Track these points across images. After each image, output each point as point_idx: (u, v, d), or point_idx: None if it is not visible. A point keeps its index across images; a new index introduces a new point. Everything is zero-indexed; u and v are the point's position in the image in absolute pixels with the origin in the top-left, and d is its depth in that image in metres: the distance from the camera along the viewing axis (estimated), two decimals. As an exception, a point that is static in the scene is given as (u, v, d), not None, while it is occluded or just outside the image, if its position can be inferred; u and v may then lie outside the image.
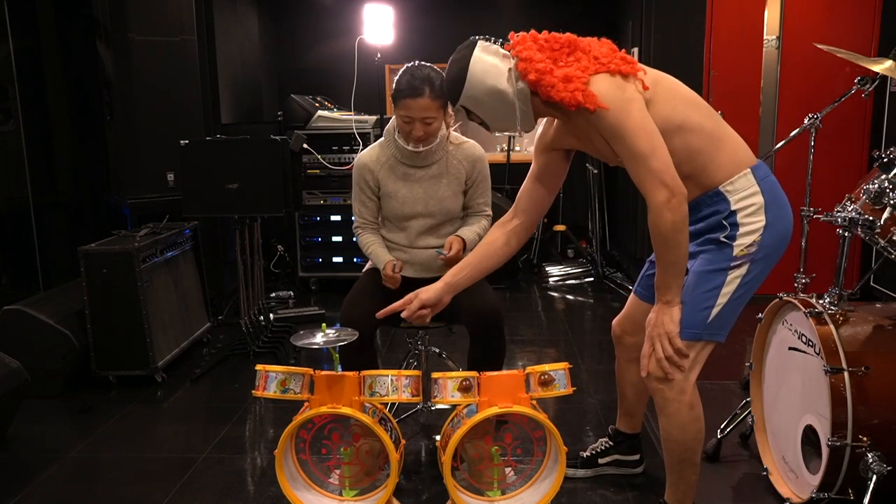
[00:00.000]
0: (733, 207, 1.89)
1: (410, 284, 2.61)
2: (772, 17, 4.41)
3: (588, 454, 2.51)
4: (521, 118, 1.93)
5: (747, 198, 1.89)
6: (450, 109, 2.59)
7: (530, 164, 2.27)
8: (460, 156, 2.65)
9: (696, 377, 1.95)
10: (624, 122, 1.80)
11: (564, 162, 2.17)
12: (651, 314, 1.93)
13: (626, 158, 1.84)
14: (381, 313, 2.19)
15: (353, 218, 2.74)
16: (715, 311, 1.90)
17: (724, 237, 1.89)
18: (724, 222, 1.90)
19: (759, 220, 1.88)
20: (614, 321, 2.38)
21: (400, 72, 2.49)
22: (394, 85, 2.51)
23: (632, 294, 2.33)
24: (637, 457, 2.51)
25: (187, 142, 3.60)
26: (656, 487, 2.41)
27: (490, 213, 2.77)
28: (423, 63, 2.50)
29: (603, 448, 2.51)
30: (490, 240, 2.21)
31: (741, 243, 1.88)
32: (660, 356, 1.90)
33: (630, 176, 1.86)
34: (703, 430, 2.00)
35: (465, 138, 2.70)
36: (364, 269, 2.81)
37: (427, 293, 2.14)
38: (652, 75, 1.92)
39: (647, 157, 1.79)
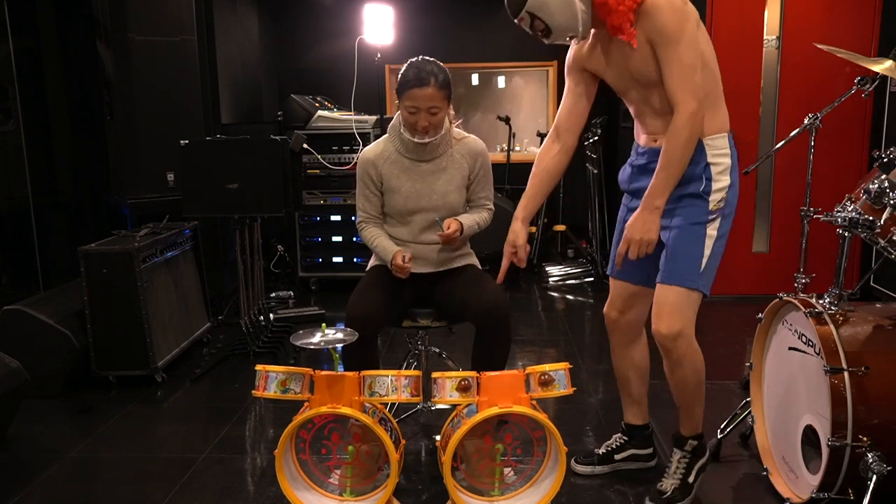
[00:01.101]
0: (709, 160, 2.07)
1: (414, 278, 2.62)
2: (772, 17, 4.41)
3: (604, 451, 2.53)
4: (582, 22, 2.03)
5: (720, 156, 2.09)
6: (451, 109, 2.60)
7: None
8: (463, 150, 2.66)
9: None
10: (683, 29, 1.94)
11: (593, 85, 2.29)
12: (634, 216, 2.10)
13: (670, 64, 1.96)
14: (500, 279, 2.40)
15: (353, 218, 2.74)
16: (704, 261, 2.09)
17: (702, 191, 2.08)
18: (702, 175, 2.08)
19: (726, 180, 2.10)
20: (605, 308, 2.48)
21: (405, 66, 2.52)
22: (398, 78, 2.53)
23: (610, 279, 2.45)
24: (651, 450, 2.54)
25: (187, 142, 3.60)
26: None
27: (492, 207, 2.77)
28: (426, 58, 2.54)
29: (618, 444, 2.53)
30: (543, 165, 2.35)
31: (714, 199, 2.09)
32: (633, 258, 2.10)
33: (665, 83, 1.99)
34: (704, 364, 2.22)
35: (466, 133, 2.71)
36: (368, 267, 2.80)
37: (519, 236, 2.32)
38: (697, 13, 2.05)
39: (693, 69, 1.95)
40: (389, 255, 2.59)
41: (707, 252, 2.09)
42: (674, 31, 1.94)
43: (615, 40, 2.07)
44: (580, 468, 2.51)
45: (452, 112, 2.64)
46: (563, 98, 2.32)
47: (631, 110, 2.25)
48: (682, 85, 1.96)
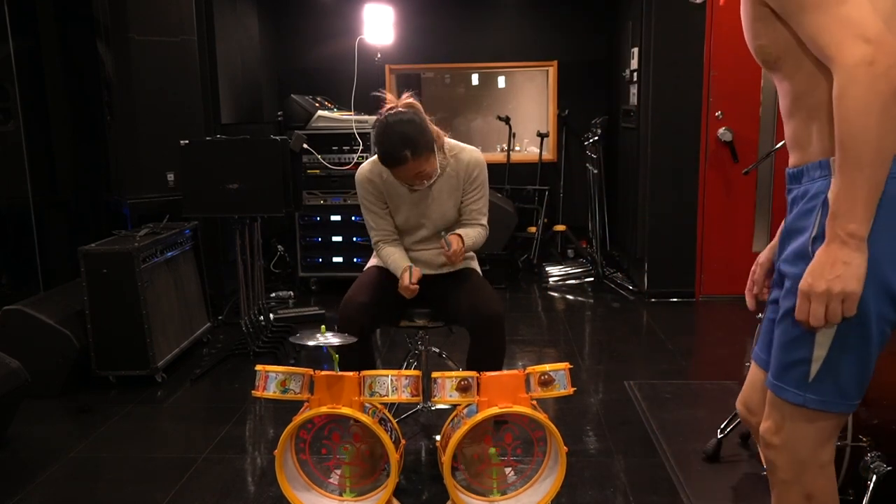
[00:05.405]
0: (831, 195, 1.26)
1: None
2: (772, 17, 4.39)
3: None
4: None
5: None
6: (439, 139, 2.54)
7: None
8: (457, 165, 2.61)
9: (824, 460, 1.36)
10: None
11: None
12: (816, 254, 1.25)
13: (792, 6, 1.27)
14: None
15: (354, 218, 2.73)
16: (815, 366, 1.29)
17: (809, 246, 1.29)
18: (812, 219, 1.30)
19: None
20: (738, 398, 1.76)
21: (373, 136, 2.45)
22: (375, 148, 2.47)
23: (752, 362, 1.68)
24: None
25: (187, 142, 3.60)
26: (655, 486, 2.42)
27: (485, 223, 2.69)
28: (391, 120, 2.43)
29: None
30: None
31: None
32: (813, 322, 1.24)
33: (803, 38, 1.26)
34: None
35: (463, 145, 2.65)
36: (365, 267, 2.80)
37: (764, 257, 1.61)
38: None
39: (836, 2, 1.19)
40: (399, 271, 2.56)
41: (818, 352, 1.28)
42: None
43: None
44: None
45: (442, 135, 2.56)
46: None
47: None
48: (822, 28, 1.20)
